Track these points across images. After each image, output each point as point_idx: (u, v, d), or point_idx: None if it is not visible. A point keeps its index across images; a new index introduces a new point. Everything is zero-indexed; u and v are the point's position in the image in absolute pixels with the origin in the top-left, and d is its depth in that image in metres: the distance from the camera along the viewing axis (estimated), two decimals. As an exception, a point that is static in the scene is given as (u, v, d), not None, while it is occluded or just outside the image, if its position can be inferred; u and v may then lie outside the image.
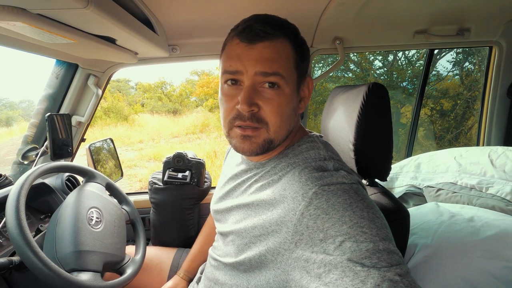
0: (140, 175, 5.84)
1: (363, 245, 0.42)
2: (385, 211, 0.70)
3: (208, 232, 1.02)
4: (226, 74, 0.57)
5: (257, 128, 0.56)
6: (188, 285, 0.92)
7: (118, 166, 1.45)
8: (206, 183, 1.36)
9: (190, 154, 1.34)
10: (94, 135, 8.17)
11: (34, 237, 0.85)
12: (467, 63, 4.86)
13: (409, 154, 1.85)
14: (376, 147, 0.74)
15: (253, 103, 0.54)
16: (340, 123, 0.81)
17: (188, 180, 1.27)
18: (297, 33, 0.59)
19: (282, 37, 0.55)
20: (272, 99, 0.55)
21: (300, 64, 0.58)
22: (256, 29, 0.54)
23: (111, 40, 0.89)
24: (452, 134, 4.76)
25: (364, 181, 0.86)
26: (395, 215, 0.71)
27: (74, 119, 1.27)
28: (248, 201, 0.61)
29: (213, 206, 0.77)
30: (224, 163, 0.88)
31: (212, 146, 7.17)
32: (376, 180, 0.86)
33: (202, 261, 0.95)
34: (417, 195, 1.28)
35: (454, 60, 4.80)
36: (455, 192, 1.11)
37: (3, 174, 1.02)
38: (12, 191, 0.72)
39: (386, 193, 0.79)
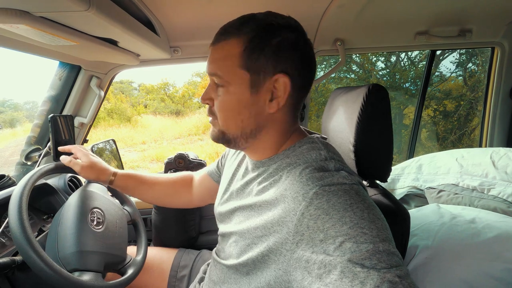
0: (142, 176, 5.84)
1: (363, 246, 0.42)
2: (385, 212, 0.69)
3: (161, 180, 1.00)
4: None
5: (214, 120, 0.63)
6: (109, 178, 0.92)
7: (121, 167, 1.45)
8: (207, 184, 1.37)
9: (191, 155, 1.34)
10: (98, 136, 8.19)
11: (36, 237, 0.85)
12: (470, 64, 4.83)
13: (411, 155, 1.85)
14: (376, 148, 0.74)
15: (206, 98, 0.62)
16: (340, 124, 0.81)
17: (189, 181, 1.27)
18: (256, 29, 0.56)
19: (231, 38, 0.56)
20: (218, 96, 0.60)
21: (248, 61, 0.56)
22: (217, 33, 0.59)
23: (113, 42, 0.90)
24: (455, 135, 4.73)
25: (364, 182, 0.86)
26: (395, 216, 0.71)
27: (77, 120, 1.28)
28: (251, 202, 0.62)
29: (217, 208, 0.77)
30: (224, 164, 0.88)
31: (214, 148, 7.17)
32: (377, 181, 0.86)
33: (136, 184, 0.95)
34: (418, 197, 1.27)
35: (457, 61, 4.78)
36: (457, 194, 1.11)
37: (6, 174, 1.03)
38: (14, 191, 0.73)
39: (387, 194, 0.78)
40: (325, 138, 0.68)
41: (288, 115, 0.62)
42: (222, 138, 0.63)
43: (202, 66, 16.44)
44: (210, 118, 0.65)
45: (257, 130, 0.61)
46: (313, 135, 0.68)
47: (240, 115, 0.59)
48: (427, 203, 1.19)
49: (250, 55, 0.55)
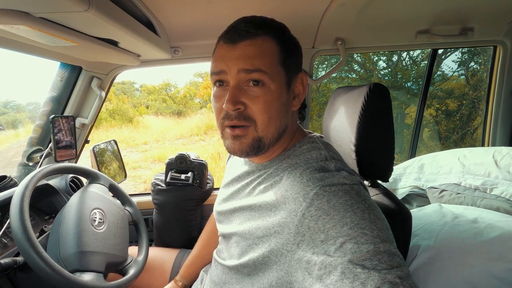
0: (144, 177, 5.86)
1: (364, 246, 0.42)
2: (386, 212, 0.69)
3: (207, 237, 1.01)
4: (212, 76, 0.58)
5: (246, 127, 0.56)
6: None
7: (122, 167, 1.45)
8: (208, 184, 1.37)
9: (192, 156, 1.34)
10: (100, 137, 8.22)
11: (38, 237, 0.86)
12: (472, 63, 4.81)
13: (412, 154, 1.84)
14: (377, 147, 0.74)
15: (238, 102, 0.55)
16: (341, 124, 0.81)
17: (190, 181, 1.28)
18: (284, 31, 0.60)
19: (264, 35, 0.55)
20: (258, 96, 0.55)
21: (287, 60, 0.57)
22: (239, 29, 0.55)
23: (113, 43, 0.90)
24: (458, 134, 4.71)
25: (366, 182, 0.86)
26: (396, 216, 0.70)
27: (78, 121, 1.28)
28: (252, 203, 0.61)
29: (216, 207, 0.77)
30: (227, 163, 0.88)
31: (216, 148, 7.18)
32: (379, 181, 0.86)
33: (200, 266, 0.93)
34: (420, 196, 1.27)
35: (460, 60, 4.76)
36: (459, 193, 1.10)
37: (8, 175, 1.03)
38: (16, 192, 0.73)
39: (388, 194, 0.78)
40: (322, 137, 0.68)
41: (296, 113, 0.64)
42: (257, 147, 0.57)
43: (203, 67, 16.47)
44: (240, 128, 0.57)
45: (283, 130, 0.61)
46: (313, 134, 0.68)
47: (280, 114, 0.58)
48: (429, 203, 1.19)
49: (286, 53, 0.57)
